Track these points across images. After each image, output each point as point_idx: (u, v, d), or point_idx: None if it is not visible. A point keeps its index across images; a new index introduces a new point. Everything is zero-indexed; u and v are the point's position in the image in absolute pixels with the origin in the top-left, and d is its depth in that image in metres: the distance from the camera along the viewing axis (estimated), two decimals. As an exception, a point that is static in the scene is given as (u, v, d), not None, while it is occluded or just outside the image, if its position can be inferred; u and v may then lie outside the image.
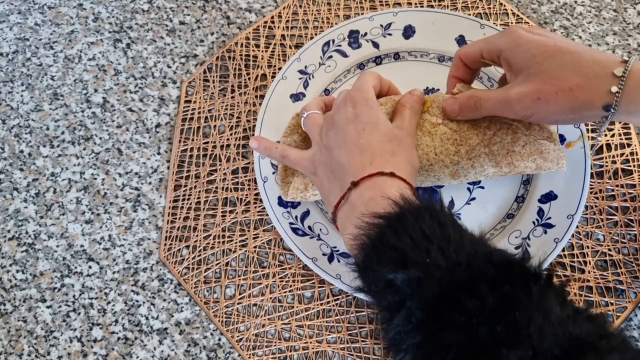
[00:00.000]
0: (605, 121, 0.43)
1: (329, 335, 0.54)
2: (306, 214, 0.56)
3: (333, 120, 0.48)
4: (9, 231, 0.58)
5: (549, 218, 0.54)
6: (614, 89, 0.41)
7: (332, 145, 0.47)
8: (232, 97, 0.62)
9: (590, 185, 0.57)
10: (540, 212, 0.55)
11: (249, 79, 0.63)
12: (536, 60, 0.44)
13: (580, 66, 0.42)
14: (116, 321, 0.55)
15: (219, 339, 0.54)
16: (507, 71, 0.47)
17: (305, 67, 0.61)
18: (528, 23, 0.64)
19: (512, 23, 0.64)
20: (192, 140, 0.61)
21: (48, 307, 0.56)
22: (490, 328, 0.32)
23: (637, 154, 0.58)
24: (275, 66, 0.63)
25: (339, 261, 0.54)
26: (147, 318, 0.55)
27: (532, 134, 0.50)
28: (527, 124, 0.50)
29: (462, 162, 0.50)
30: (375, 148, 0.45)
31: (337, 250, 0.54)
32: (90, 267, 0.57)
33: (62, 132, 0.62)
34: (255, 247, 0.57)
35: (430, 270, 0.34)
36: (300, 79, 0.61)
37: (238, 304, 0.55)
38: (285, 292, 0.55)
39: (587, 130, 0.59)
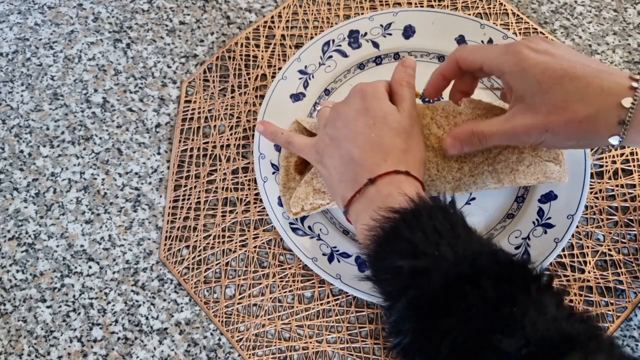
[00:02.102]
0: (613, 147, 0.44)
1: (329, 335, 0.54)
2: (306, 214, 0.56)
3: (340, 111, 0.48)
4: (9, 231, 0.58)
5: (549, 218, 0.54)
6: (622, 119, 0.40)
7: (340, 137, 0.47)
8: (232, 97, 0.62)
9: (590, 185, 0.57)
10: (540, 212, 0.55)
11: (249, 79, 0.63)
12: (541, 87, 0.42)
13: (588, 95, 0.41)
14: (116, 321, 0.55)
15: (219, 339, 0.54)
16: (508, 91, 0.47)
17: (305, 67, 0.61)
18: (528, 23, 0.63)
19: (512, 23, 0.64)
20: (192, 140, 0.61)
21: (48, 307, 0.56)
22: (487, 318, 0.34)
23: (637, 154, 0.58)
24: (275, 66, 0.63)
25: (339, 261, 0.54)
26: (147, 318, 0.55)
27: (539, 155, 0.50)
28: (534, 145, 0.49)
29: (464, 179, 0.50)
30: (388, 145, 0.45)
31: (337, 250, 0.54)
32: (90, 267, 0.57)
33: (62, 132, 0.62)
34: (255, 247, 0.57)
35: (437, 262, 0.36)
36: (300, 79, 0.61)
37: (238, 304, 0.55)
38: (285, 292, 0.55)
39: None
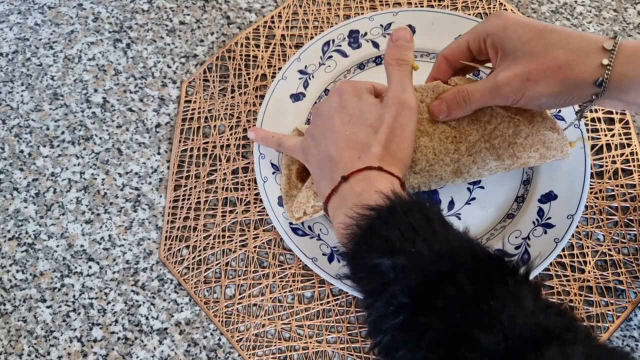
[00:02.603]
0: (595, 100, 0.42)
1: (329, 335, 0.54)
2: (306, 214, 0.56)
3: (319, 110, 0.49)
4: (9, 231, 0.58)
5: (549, 218, 0.54)
6: (605, 61, 0.41)
7: (318, 135, 0.48)
8: (232, 97, 0.62)
9: (590, 185, 0.57)
10: (540, 212, 0.55)
11: (249, 79, 0.63)
12: (522, 40, 0.43)
13: (569, 43, 0.42)
14: (116, 321, 0.55)
15: (219, 339, 0.54)
16: (494, 58, 0.46)
17: (305, 67, 0.61)
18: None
19: (512, 23, 0.64)
20: (192, 140, 0.61)
21: (48, 307, 0.56)
22: (465, 313, 0.34)
23: (637, 154, 0.58)
24: (275, 66, 0.63)
25: (339, 261, 0.54)
26: (147, 318, 0.55)
27: (535, 126, 0.49)
28: (529, 117, 0.49)
29: (462, 159, 0.49)
30: (363, 141, 0.45)
31: (337, 250, 0.54)
32: (90, 267, 0.57)
33: (62, 132, 0.62)
34: (255, 247, 0.57)
35: (414, 259, 0.36)
36: (300, 79, 0.61)
37: (238, 304, 0.55)
38: (285, 292, 0.55)
39: (588, 130, 0.59)
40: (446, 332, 0.34)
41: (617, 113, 0.60)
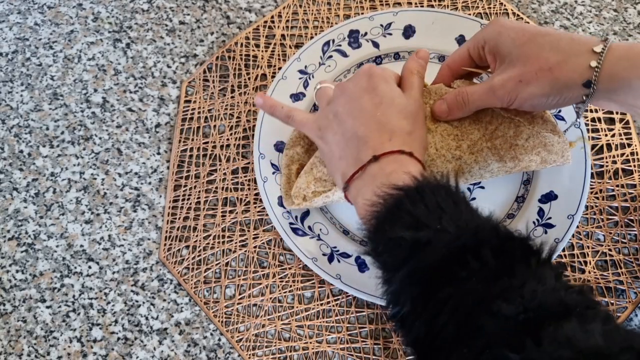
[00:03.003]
0: (587, 101, 0.43)
1: (329, 335, 0.54)
2: (306, 214, 0.56)
3: (345, 88, 0.48)
4: (8, 231, 0.58)
5: (549, 218, 0.54)
6: (593, 63, 0.42)
7: (344, 114, 0.47)
8: (232, 97, 0.62)
9: (591, 185, 0.57)
10: (541, 212, 0.55)
11: (249, 79, 0.63)
12: (516, 44, 0.45)
13: (559, 45, 0.43)
14: (116, 321, 0.55)
15: (219, 339, 0.54)
16: (492, 63, 0.48)
17: (305, 67, 0.61)
18: (528, 23, 0.63)
19: (512, 23, 0.64)
20: (192, 140, 0.61)
21: (48, 307, 0.56)
22: (487, 286, 0.34)
23: (637, 154, 0.58)
24: (275, 66, 0.63)
25: (339, 261, 0.54)
26: (147, 318, 0.55)
27: (535, 128, 0.50)
28: (529, 119, 0.50)
29: (464, 157, 0.50)
30: (394, 125, 0.45)
31: (337, 250, 0.54)
32: (90, 267, 0.57)
33: (62, 132, 0.62)
34: (255, 247, 0.57)
35: (439, 234, 0.37)
36: (300, 78, 0.61)
37: (238, 304, 0.55)
38: (285, 292, 0.55)
39: (588, 130, 0.59)
40: (466, 303, 0.35)
41: (617, 113, 0.60)
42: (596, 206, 0.57)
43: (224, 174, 0.59)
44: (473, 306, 0.34)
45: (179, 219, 0.58)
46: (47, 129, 0.62)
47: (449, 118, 0.50)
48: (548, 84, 0.43)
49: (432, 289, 0.36)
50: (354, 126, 0.46)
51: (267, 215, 0.57)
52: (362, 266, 0.54)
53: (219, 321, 0.54)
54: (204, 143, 0.61)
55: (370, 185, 0.43)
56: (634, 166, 0.58)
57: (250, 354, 0.53)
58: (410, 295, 0.37)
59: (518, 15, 0.64)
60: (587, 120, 0.60)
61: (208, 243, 0.57)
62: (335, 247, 0.54)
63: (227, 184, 0.59)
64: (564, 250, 0.55)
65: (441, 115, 0.50)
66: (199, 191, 0.59)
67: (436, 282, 0.36)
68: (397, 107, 0.46)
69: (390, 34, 0.62)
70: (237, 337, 0.54)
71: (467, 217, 0.38)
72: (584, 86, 0.42)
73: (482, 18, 0.63)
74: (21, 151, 0.61)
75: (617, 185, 0.57)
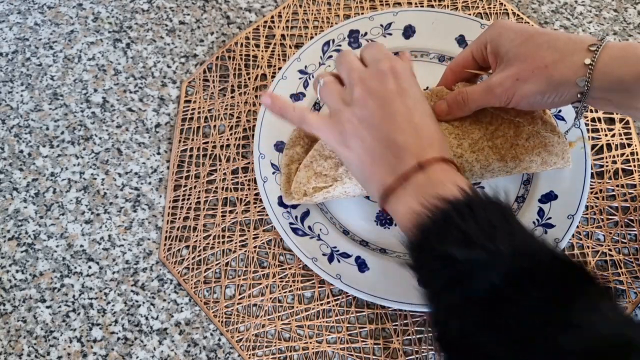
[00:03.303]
0: (583, 99, 0.43)
1: (329, 335, 0.54)
2: (306, 214, 0.56)
3: (371, 91, 0.44)
4: (8, 231, 0.58)
5: (549, 218, 0.54)
6: (587, 61, 0.42)
7: (374, 118, 0.44)
8: (232, 97, 0.62)
9: (591, 185, 0.57)
10: (541, 212, 0.55)
11: (249, 79, 0.63)
12: (514, 44, 0.45)
13: (556, 44, 0.44)
14: (116, 321, 0.55)
15: (219, 339, 0.54)
16: (493, 64, 0.48)
17: (305, 67, 0.61)
18: (528, 23, 0.63)
19: (512, 23, 0.64)
20: (192, 140, 0.61)
21: (48, 307, 0.56)
22: (544, 313, 0.33)
23: (637, 154, 0.58)
24: (275, 66, 0.63)
25: (339, 261, 0.54)
26: (147, 318, 0.55)
27: (535, 128, 0.50)
28: (529, 119, 0.50)
29: (465, 155, 0.50)
30: (431, 130, 0.44)
31: (337, 250, 0.54)
32: (90, 267, 0.57)
33: (62, 132, 0.62)
34: (255, 247, 0.57)
35: (494, 254, 0.35)
36: (300, 78, 0.61)
37: (238, 304, 0.55)
38: (285, 292, 0.55)
39: (588, 130, 0.59)
40: (521, 329, 0.33)
41: (617, 113, 0.60)
42: (596, 206, 0.57)
43: (224, 174, 0.59)
44: (529, 335, 0.33)
45: (179, 219, 0.58)
46: (47, 129, 0.62)
47: (449, 118, 0.50)
48: (544, 81, 0.43)
49: (484, 314, 0.35)
50: (390, 132, 0.43)
51: (267, 215, 0.57)
52: (362, 266, 0.54)
53: (219, 321, 0.54)
54: (204, 143, 0.61)
55: (416, 195, 0.40)
56: (634, 166, 0.58)
57: (250, 354, 0.53)
58: (461, 318, 0.35)
59: (518, 15, 0.64)
60: (587, 121, 0.60)
61: (208, 243, 0.57)
62: (335, 247, 0.54)
63: (227, 184, 0.59)
64: (564, 250, 0.55)
65: (441, 115, 0.50)
66: (199, 191, 0.59)
67: (489, 307, 0.34)
68: (428, 110, 0.45)
69: (390, 34, 0.62)
70: (237, 337, 0.54)
71: (521, 237, 0.37)
72: (579, 84, 0.42)
73: (482, 18, 0.63)
74: (21, 151, 0.61)
75: (617, 185, 0.57)
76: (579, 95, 0.43)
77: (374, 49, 0.47)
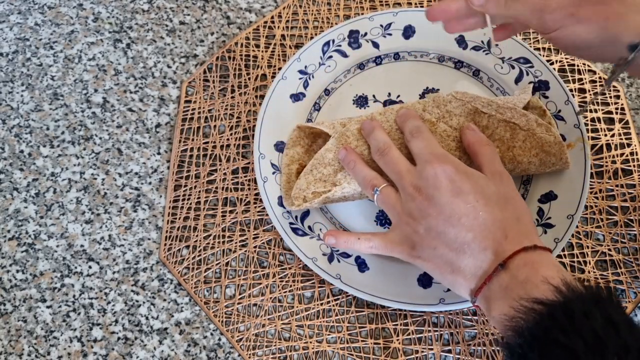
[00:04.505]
0: (624, 65, 0.41)
1: (329, 335, 0.54)
2: (306, 214, 0.56)
3: (428, 197, 0.43)
4: (9, 231, 0.58)
5: (549, 218, 0.54)
6: None
7: (439, 225, 0.42)
8: (232, 97, 0.62)
9: (590, 185, 0.57)
10: (540, 212, 0.55)
11: (249, 79, 0.63)
12: None
13: (625, 1, 0.40)
14: (116, 321, 0.55)
15: (219, 339, 0.54)
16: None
17: (305, 67, 0.61)
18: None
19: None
20: (192, 140, 0.61)
21: (48, 307, 0.56)
22: None
23: (637, 154, 0.58)
24: (275, 66, 0.63)
25: (339, 261, 0.54)
26: (147, 318, 0.55)
27: (530, 129, 0.51)
28: (524, 121, 0.51)
29: (464, 158, 0.50)
30: (501, 219, 0.42)
31: (337, 251, 0.54)
32: (90, 267, 0.57)
33: (62, 132, 0.62)
34: (255, 247, 0.57)
35: None
36: (300, 79, 0.61)
37: (238, 304, 0.55)
38: (285, 292, 0.55)
39: (587, 130, 0.59)
40: None
41: (617, 113, 0.60)
42: (596, 206, 0.57)
43: (224, 174, 0.59)
44: None
45: (179, 219, 0.58)
46: (48, 129, 0.62)
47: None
48: (597, 31, 0.40)
49: None
50: (458, 234, 0.41)
51: (267, 215, 0.57)
52: (362, 266, 0.54)
53: (219, 321, 0.55)
54: (204, 143, 0.61)
55: (505, 298, 0.38)
56: (634, 166, 0.58)
57: (250, 354, 0.53)
58: None
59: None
60: (587, 120, 0.60)
61: (208, 243, 0.57)
62: (335, 247, 0.54)
63: (227, 184, 0.59)
64: (563, 250, 0.55)
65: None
66: (199, 191, 0.59)
67: None
68: (491, 197, 0.42)
69: (390, 34, 0.62)
70: (237, 336, 0.54)
71: (634, 348, 0.32)
72: (628, 49, 0.40)
73: (482, 18, 0.63)
74: (21, 151, 0.61)
75: (617, 185, 0.57)
76: (619, 60, 0.41)
77: (412, 127, 0.48)
